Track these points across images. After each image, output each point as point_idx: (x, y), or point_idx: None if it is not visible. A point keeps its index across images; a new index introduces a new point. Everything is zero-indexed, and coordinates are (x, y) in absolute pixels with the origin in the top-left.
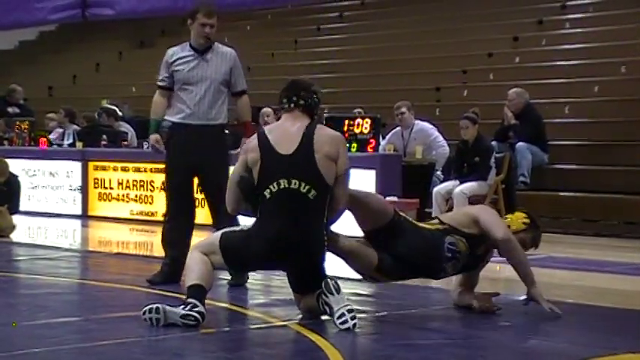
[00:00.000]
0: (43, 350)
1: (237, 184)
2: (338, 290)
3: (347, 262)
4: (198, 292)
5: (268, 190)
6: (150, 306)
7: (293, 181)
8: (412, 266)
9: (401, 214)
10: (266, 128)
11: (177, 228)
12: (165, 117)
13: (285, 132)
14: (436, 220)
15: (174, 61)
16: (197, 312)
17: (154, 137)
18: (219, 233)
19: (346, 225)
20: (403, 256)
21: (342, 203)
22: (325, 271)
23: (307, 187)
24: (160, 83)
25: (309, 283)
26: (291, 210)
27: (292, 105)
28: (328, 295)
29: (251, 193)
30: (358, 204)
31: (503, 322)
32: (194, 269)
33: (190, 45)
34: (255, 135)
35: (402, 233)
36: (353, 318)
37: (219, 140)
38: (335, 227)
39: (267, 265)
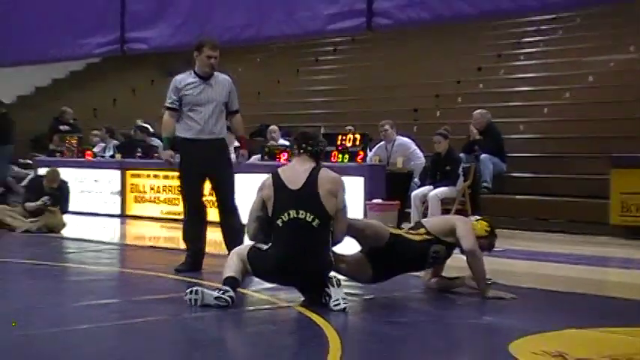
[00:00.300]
0: (90, 326)
1: (255, 220)
2: (339, 284)
3: (347, 276)
4: (232, 282)
5: (280, 220)
6: (191, 288)
7: (300, 212)
8: (402, 270)
9: (396, 233)
10: (279, 169)
11: (194, 226)
12: (177, 134)
13: (294, 172)
14: (423, 230)
15: (184, 86)
16: (228, 296)
17: (168, 153)
18: (249, 246)
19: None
20: (397, 266)
21: (341, 233)
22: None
23: (312, 217)
24: (170, 105)
25: (315, 293)
26: (299, 236)
27: (302, 151)
28: (330, 287)
29: (266, 227)
30: (357, 232)
31: (466, 302)
32: (231, 265)
33: (195, 73)
34: (271, 175)
35: (397, 250)
36: (345, 302)
37: (224, 150)
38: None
39: (279, 281)
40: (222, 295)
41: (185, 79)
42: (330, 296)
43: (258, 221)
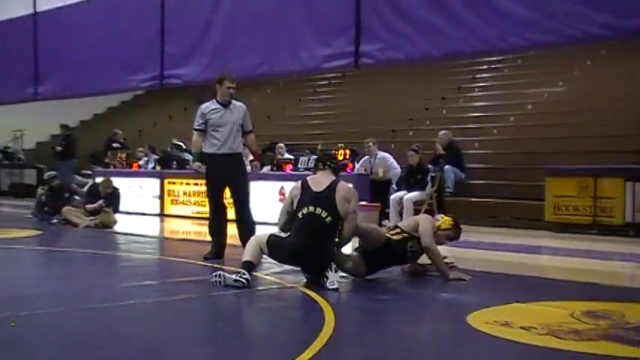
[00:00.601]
0: (136, 302)
1: (285, 214)
2: (336, 270)
3: (348, 273)
4: (248, 265)
5: (301, 213)
6: (215, 272)
7: (317, 209)
8: (388, 265)
9: (387, 236)
10: (308, 177)
11: (217, 223)
12: (203, 150)
13: (319, 180)
14: (398, 230)
15: (208, 112)
16: (245, 278)
17: (196, 164)
18: (268, 234)
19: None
20: (385, 262)
21: (349, 232)
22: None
23: (326, 214)
24: (197, 127)
25: (316, 275)
26: (313, 228)
27: (326, 167)
28: (329, 271)
29: (291, 220)
30: (365, 234)
31: (434, 283)
32: (249, 251)
33: (217, 101)
34: (301, 181)
35: (388, 249)
36: (338, 284)
37: (241, 162)
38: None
39: (291, 262)
40: (240, 278)
41: (209, 106)
42: (327, 278)
43: (288, 215)
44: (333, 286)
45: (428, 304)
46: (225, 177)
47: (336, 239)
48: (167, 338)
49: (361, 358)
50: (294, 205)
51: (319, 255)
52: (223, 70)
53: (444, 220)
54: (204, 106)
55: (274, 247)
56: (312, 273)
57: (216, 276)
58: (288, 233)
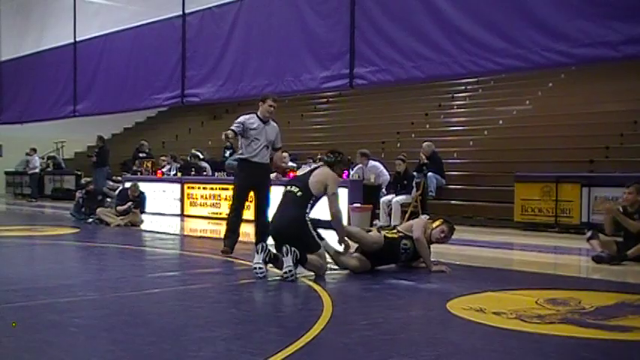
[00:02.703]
0: (161, 290)
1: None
2: (294, 254)
3: (355, 272)
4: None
5: (283, 192)
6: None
7: (292, 187)
8: (387, 262)
9: (387, 236)
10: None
11: (236, 221)
12: (238, 155)
13: (309, 169)
14: (395, 230)
15: (249, 123)
16: (261, 273)
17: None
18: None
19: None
20: (385, 260)
21: (332, 211)
22: (315, 242)
23: (297, 189)
24: (235, 129)
25: (303, 247)
26: (284, 201)
27: (323, 161)
28: (287, 254)
29: None
30: (368, 245)
31: (418, 274)
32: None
33: (257, 116)
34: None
35: (388, 248)
36: (292, 274)
37: (268, 172)
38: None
39: (275, 238)
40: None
41: (250, 118)
42: (287, 253)
43: None
44: (287, 273)
45: (413, 292)
46: (253, 183)
47: (308, 213)
48: (187, 321)
49: (356, 338)
50: None
51: (290, 222)
52: (237, 90)
53: (435, 223)
54: (246, 117)
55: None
56: (285, 242)
57: (255, 269)
58: None
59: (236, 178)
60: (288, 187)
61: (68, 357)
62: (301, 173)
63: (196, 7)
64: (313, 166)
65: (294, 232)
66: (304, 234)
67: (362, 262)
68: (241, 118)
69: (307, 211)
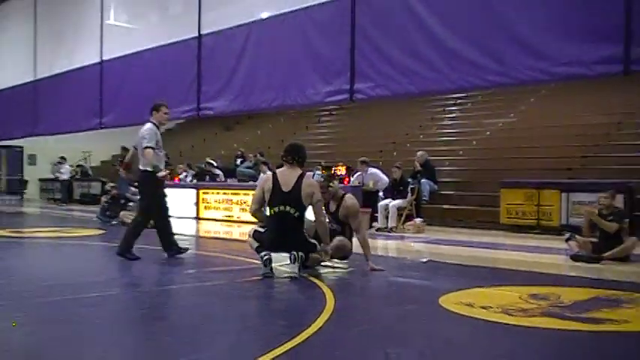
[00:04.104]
0: (180, 286)
1: (256, 203)
2: (296, 261)
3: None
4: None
5: (272, 211)
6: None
7: (287, 207)
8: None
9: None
10: (278, 172)
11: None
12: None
13: (287, 177)
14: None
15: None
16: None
17: None
18: (252, 228)
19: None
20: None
21: (320, 216)
22: (313, 245)
23: (294, 210)
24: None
25: (306, 252)
26: (284, 222)
27: (292, 160)
28: (292, 262)
29: (261, 209)
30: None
31: (413, 271)
32: (250, 243)
33: (155, 124)
34: (271, 175)
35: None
36: (295, 274)
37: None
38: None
39: (273, 250)
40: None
41: (155, 128)
42: (293, 260)
43: (258, 204)
44: (292, 274)
45: (408, 289)
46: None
47: (305, 227)
48: (202, 316)
49: (355, 331)
50: (267, 200)
51: (292, 242)
52: (247, 104)
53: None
54: (155, 130)
55: (259, 237)
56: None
57: (265, 266)
58: (265, 228)
59: (155, 188)
60: (282, 207)
61: (92, 347)
62: (287, 190)
63: (210, 30)
64: (287, 168)
65: (300, 247)
66: (307, 248)
67: (345, 243)
68: (153, 134)
69: (304, 226)
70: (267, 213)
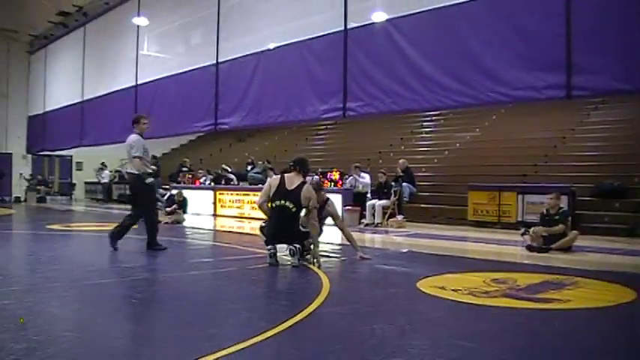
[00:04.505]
0: (199, 272)
1: (263, 196)
2: (294, 254)
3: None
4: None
5: (274, 204)
6: (269, 256)
7: (287, 202)
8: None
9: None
10: (285, 175)
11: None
12: (144, 171)
13: (292, 180)
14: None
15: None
16: (276, 260)
17: None
18: (260, 224)
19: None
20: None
21: (314, 220)
22: (305, 234)
23: (292, 205)
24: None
25: (301, 241)
26: (283, 215)
27: (297, 169)
28: (292, 254)
29: (267, 200)
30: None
31: (393, 260)
32: (263, 239)
33: (140, 135)
34: (279, 175)
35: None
36: (295, 261)
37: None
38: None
39: (274, 241)
40: (273, 261)
41: (141, 140)
42: (291, 255)
43: (265, 197)
44: (292, 260)
45: (391, 274)
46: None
47: (301, 224)
48: (218, 296)
49: (347, 309)
50: (271, 193)
51: (288, 232)
52: (257, 119)
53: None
54: (142, 140)
55: (264, 230)
56: (288, 243)
57: (270, 257)
58: (267, 223)
59: (146, 186)
60: (282, 202)
61: (130, 322)
62: (290, 188)
63: (226, 58)
64: (294, 174)
65: (295, 238)
66: (301, 236)
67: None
68: (140, 143)
69: (299, 220)
70: (269, 206)
